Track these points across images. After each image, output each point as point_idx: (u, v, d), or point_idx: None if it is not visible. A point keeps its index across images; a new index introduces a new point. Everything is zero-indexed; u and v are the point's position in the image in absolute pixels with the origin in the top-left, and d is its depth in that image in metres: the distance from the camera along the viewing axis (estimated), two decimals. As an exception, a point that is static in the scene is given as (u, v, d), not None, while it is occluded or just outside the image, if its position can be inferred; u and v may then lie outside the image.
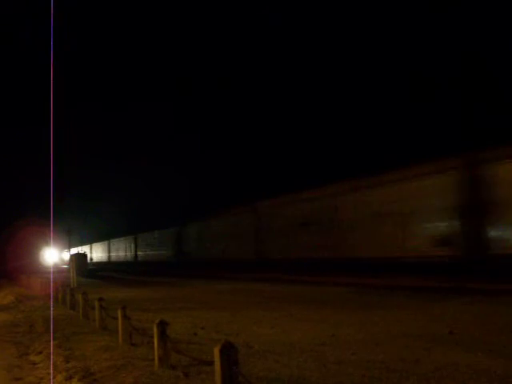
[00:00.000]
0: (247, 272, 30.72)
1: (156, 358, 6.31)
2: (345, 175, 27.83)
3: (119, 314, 8.17)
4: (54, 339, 8.93)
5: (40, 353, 8.36)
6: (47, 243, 67.82)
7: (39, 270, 51.16)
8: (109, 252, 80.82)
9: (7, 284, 33.44)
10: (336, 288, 19.59)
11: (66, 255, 72.96)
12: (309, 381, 5.54)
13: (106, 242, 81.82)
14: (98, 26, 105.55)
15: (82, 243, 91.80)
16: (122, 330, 8.17)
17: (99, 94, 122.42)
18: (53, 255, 68.22)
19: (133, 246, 67.63)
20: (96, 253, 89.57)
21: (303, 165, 56.79)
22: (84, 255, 49.77)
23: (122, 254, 73.62)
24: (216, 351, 4.36)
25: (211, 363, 4.58)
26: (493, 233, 17.59)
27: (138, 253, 65.79)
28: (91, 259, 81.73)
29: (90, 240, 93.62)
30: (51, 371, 6.77)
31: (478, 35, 51.74)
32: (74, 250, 66.80)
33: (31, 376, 6.94)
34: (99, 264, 78.95)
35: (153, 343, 6.43)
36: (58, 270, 47.06)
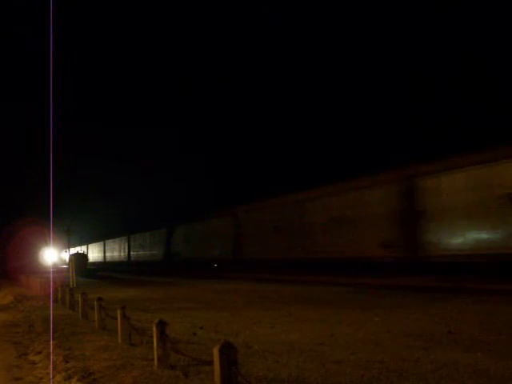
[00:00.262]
0: (226, 271, 33.70)
1: (155, 357, 6.32)
2: (317, 181, 30.51)
3: (118, 313, 8.17)
4: (53, 339, 8.93)
5: (39, 353, 8.36)
6: (46, 243, 67.78)
7: (38, 270, 51.14)
8: (104, 252, 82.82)
9: (6, 284, 33.43)
10: (335, 288, 19.60)
11: (66, 255, 73.04)
12: (308, 381, 5.54)
13: (102, 243, 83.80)
14: (97, 25, 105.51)
15: (81, 243, 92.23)
16: (122, 330, 8.17)
17: (98, 93, 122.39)
18: (52, 255, 68.19)
19: (126, 246, 70.12)
20: (92, 253, 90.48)
21: (281, 171, 59.99)
22: (83, 255, 49.85)
23: (116, 254, 75.81)
24: (215, 351, 4.36)
25: (210, 363, 4.58)
26: (425, 237, 20.49)
27: (131, 253, 68.19)
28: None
29: (87, 240, 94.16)
30: (50, 371, 6.77)
31: (478, 35, 51.73)
32: (72, 250, 66.90)
33: (30, 376, 6.94)
34: (94, 264, 79.70)
35: (152, 343, 6.43)
36: (57, 270, 47.05)
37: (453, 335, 8.22)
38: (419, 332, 8.60)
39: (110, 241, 78.78)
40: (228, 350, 4.31)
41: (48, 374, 6.77)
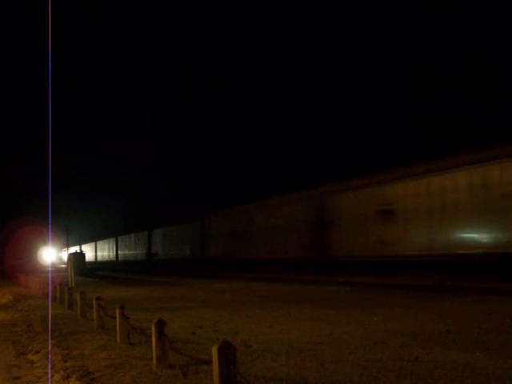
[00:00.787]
0: (195, 270, 40.01)
1: (154, 357, 6.31)
2: (264, 193, 37.28)
3: (117, 313, 8.17)
4: (52, 338, 8.92)
5: (38, 352, 8.35)
6: (45, 242, 67.75)
7: (37, 269, 51.09)
8: (95, 252, 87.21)
9: (5, 283, 33.38)
10: (334, 287, 19.62)
11: (64, 254, 73.17)
12: (307, 380, 5.54)
13: (94, 243, 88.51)
14: (97, 25, 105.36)
15: (79, 243, 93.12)
16: (120, 330, 8.17)
17: (98, 93, 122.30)
18: (51, 254, 68.16)
19: (114, 246, 76.33)
20: (86, 252, 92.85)
21: (246, 182, 64.69)
22: (82, 254, 49.94)
23: (105, 253, 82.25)
24: (214, 350, 4.36)
25: (209, 362, 4.59)
26: (331, 241, 26.82)
27: (119, 253, 74.22)
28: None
29: (82, 240, 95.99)
30: (49, 370, 6.77)
31: (478, 35, 51.76)
32: (71, 250, 67.00)
33: (29, 375, 6.93)
34: (87, 263, 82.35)
35: (151, 342, 6.43)
36: (55, 269, 47.01)
37: (451, 334, 8.23)
38: (418, 331, 8.61)
39: (101, 241, 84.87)
40: (227, 350, 4.31)
41: (46, 373, 6.77)
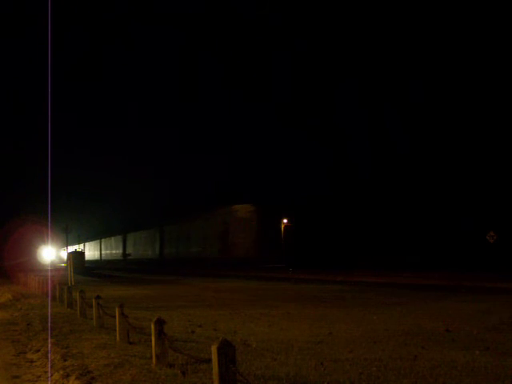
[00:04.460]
0: (152, 268, 53.65)
1: (153, 356, 6.31)
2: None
3: (117, 312, 8.16)
4: (51, 337, 8.90)
5: (37, 351, 8.34)
6: (44, 241, 67.68)
7: (37, 268, 51.03)
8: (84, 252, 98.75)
9: (4, 282, 33.34)
10: (333, 286, 19.62)
11: (64, 253, 73.29)
12: (306, 379, 5.54)
13: (82, 244, 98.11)
14: (98, 24, 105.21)
15: (79, 242, 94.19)
16: (120, 329, 8.16)
17: (98, 93, 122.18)
18: (50, 253, 68.08)
19: (98, 247, 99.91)
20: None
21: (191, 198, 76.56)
22: (81, 254, 49.90)
23: (92, 253, 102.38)
24: (213, 349, 4.35)
25: (209, 361, 4.58)
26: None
27: (102, 252, 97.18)
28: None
29: (76, 241, 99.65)
30: (49, 369, 6.76)
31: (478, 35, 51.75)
32: (70, 249, 66.99)
33: (28, 374, 6.92)
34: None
35: (150, 341, 6.42)
36: (55, 268, 46.96)
37: (450, 333, 8.23)
38: (417, 330, 8.60)
39: (88, 243, 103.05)
40: (226, 349, 4.31)
41: (46, 372, 6.76)
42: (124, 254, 75.72)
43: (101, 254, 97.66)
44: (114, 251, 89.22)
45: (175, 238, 66.27)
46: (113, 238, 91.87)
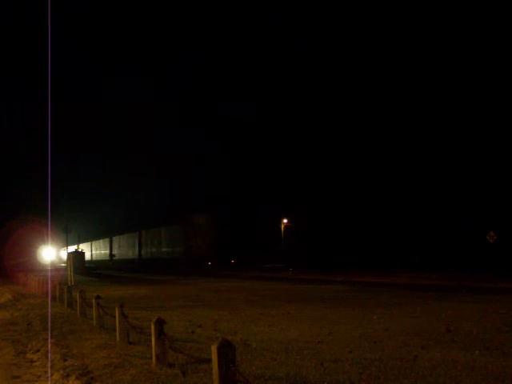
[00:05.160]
0: (132, 266, 66.03)
1: (153, 356, 6.31)
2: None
3: (117, 312, 8.16)
4: (51, 337, 8.90)
5: (37, 351, 8.34)
6: (44, 241, 67.70)
7: (37, 268, 51.02)
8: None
9: (4, 282, 33.35)
10: (333, 286, 19.63)
11: (64, 253, 73.44)
12: (306, 379, 5.54)
13: (76, 245, 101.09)
14: (98, 25, 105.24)
15: (78, 241, 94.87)
16: (120, 329, 8.16)
17: (97, 93, 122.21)
18: (50, 253, 68.10)
19: (89, 248, 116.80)
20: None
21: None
22: (81, 253, 49.86)
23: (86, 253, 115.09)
24: (213, 349, 4.35)
25: (209, 361, 4.58)
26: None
27: (93, 253, 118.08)
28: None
29: (76, 241, 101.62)
30: (49, 369, 6.76)
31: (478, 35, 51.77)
32: (70, 249, 67.01)
33: (28, 374, 6.92)
34: None
35: (150, 341, 6.42)
36: (55, 268, 46.97)
37: (450, 333, 8.23)
38: (417, 330, 8.60)
39: (82, 244, 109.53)
40: (226, 349, 4.31)
41: (46, 372, 6.76)
42: (110, 254, 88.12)
43: (91, 254, 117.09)
44: (102, 251, 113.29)
45: (150, 240, 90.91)
46: (101, 240, 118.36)
